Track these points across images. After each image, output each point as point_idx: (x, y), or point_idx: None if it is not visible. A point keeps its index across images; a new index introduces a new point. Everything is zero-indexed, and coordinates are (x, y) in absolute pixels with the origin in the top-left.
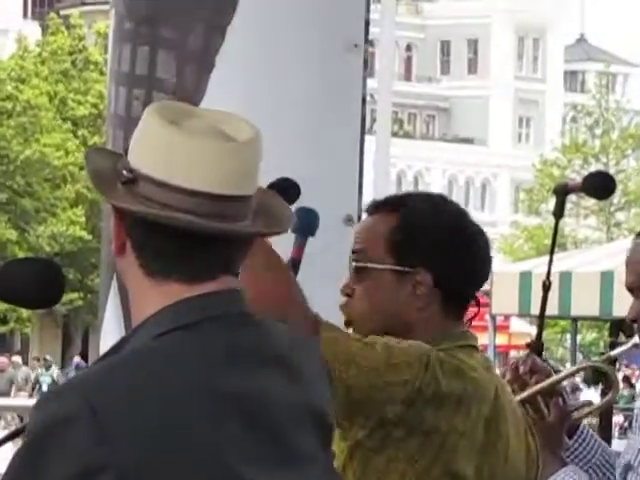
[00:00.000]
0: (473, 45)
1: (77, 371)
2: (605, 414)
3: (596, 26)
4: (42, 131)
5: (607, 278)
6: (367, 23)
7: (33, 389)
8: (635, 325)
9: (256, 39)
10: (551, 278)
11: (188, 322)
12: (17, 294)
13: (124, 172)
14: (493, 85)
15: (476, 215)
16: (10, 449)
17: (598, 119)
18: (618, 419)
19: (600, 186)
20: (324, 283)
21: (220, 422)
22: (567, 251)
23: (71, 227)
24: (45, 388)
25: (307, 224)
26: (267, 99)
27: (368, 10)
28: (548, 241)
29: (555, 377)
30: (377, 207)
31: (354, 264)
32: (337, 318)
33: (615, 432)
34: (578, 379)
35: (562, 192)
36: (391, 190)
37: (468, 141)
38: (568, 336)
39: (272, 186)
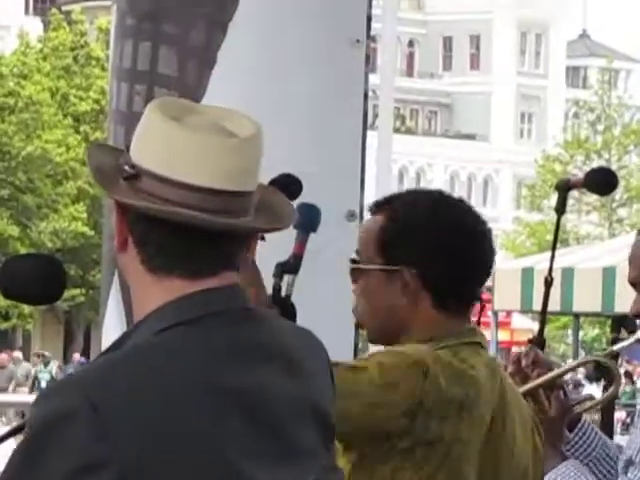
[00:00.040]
0: (475, 41)
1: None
2: (607, 410)
3: (598, 22)
4: (44, 127)
5: (609, 274)
6: (369, 19)
7: (33, 385)
8: (638, 320)
9: (258, 35)
10: (553, 274)
11: (190, 318)
12: (19, 290)
13: (126, 168)
14: (495, 81)
15: (478, 211)
16: (11, 447)
17: (600, 115)
18: (620, 415)
19: (602, 182)
20: (326, 279)
21: (221, 417)
22: (569, 247)
23: (73, 223)
24: (43, 384)
25: (309, 220)
26: (269, 95)
27: (370, 6)
28: (550, 237)
29: (557, 371)
30: (374, 207)
31: (350, 265)
32: (338, 314)
33: (617, 428)
34: (580, 375)
35: (564, 188)
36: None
37: (470, 137)
38: (570, 332)
39: (274, 182)
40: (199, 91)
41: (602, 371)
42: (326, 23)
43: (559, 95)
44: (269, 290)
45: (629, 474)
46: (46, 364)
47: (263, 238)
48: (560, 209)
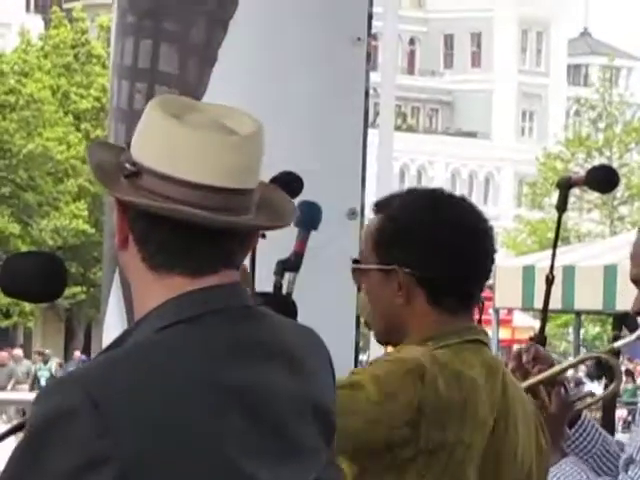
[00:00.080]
0: (476, 38)
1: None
2: (609, 408)
3: (600, 20)
4: (45, 125)
5: (610, 272)
6: (370, 16)
7: (33, 383)
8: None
9: (258, 33)
10: (554, 272)
11: (190, 315)
12: (20, 288)
13: (127, 165)
14: (496, 79)
15: (479, 209)
16: (12, 444)
17: (601, 113)
18: (621, 413)
19: (603, 180)
20: (327, 277)
21: (221, 415)
22: (570, 245)
23: (74, 221)
24: (43, 382)
25: (310, 218)
26: (270, 93)
27: (371, 4)
28: (551, 235)
29: (558, 367)
30: (375, 207)
31: (351, 265)
32: (339, 312)
33: (618, 426)
34: (581, 373)
35: (565, 186)
36: (394, 184)
37: (471, 135)
38: (571, 330)
39: (275, 180)
40: (200, 89)
41: (603, 369)
42: (327, 21)
43: (560, 93)
44: (270, 289)
45: (629, 472)
46: (46, 362)
47: (264, 236)
48: (561, 207)
